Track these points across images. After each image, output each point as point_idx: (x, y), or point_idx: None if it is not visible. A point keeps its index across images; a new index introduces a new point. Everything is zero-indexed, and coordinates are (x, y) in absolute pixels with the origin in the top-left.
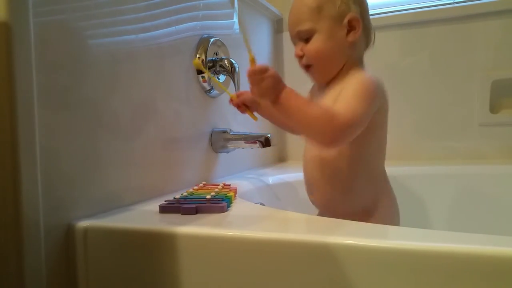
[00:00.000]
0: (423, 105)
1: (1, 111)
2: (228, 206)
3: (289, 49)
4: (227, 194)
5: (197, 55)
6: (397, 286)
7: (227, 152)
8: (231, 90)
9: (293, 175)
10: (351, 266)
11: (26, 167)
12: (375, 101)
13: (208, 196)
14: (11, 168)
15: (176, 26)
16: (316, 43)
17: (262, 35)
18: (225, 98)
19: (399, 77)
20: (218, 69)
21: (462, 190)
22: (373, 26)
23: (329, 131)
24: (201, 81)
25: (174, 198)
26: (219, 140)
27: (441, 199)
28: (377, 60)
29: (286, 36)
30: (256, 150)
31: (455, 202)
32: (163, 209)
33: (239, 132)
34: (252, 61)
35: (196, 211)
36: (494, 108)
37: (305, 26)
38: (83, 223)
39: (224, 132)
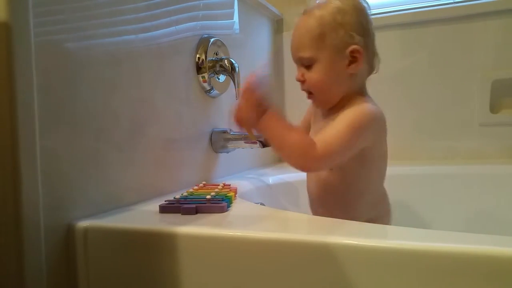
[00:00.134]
0: (423, 105)
1: (1, 111)
2: (228, 206)
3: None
4: (227, 194)
5: (197, 55)
6: (397, 286)
7: (227, 152)
8: (231, 90)
9: (293, 175)
10: (351, 266)
11: (26, 167)
12: (364, 134)
13: (208, 196)
14: (11, 168)
15: (176, 26)
16: (316, 74)
17: (262, 35)
18: (225, 98)
19: (399, 77)
20: (218, 69)
21: (462, 190)
22: (373, 26)
23: (302, 160)
24: (201, 81)
25: (174, 198)
26: (219, 140)
27: (441, 199)
28: None
29: (286, 36)
30: (256, 150)
31: (455, 202)
32: (163, 209)
33: (239, 132)
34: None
35: (196, 211)
36: (494, 108)
37: (307, 53)
38: (83, 223)
39: (224, 132)
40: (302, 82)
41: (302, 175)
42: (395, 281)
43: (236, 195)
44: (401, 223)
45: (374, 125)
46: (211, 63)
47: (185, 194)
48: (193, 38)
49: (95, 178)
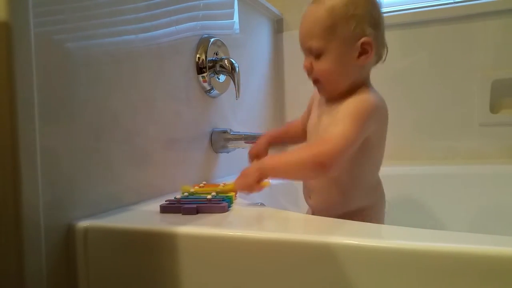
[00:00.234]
0: (423, 105)
1: (1, 111)
2: (229, 206)
3: (289, 49)
4: (228, 194)
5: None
6: (397, 286)
7: (227, 152)
8: (231, 90)
9: None
10: (351, 266)
11: (26, 167)
12: (368, 123)
13: (208, 196)
14: (11, 168)
15: (176, 26)
16: (325, 64)
17: (262, 35)
18: (225, 98)
19: (399, 77)
20: (218, 69)
21: (462, 190)
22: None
23: (319, 168)
24: (201, 81)
25: (175, 198)
26: (219, 140)
27: (441, 199)
28: None
29: (286, 36)
30: None
31: (455, 202)
32: (164, 209)
33: (239, 132)
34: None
35: (197, 211)
36: (494, 108)
37: (317, 43)
38: (83, 223)
39: (224, 132)
40: (310, 70)
41: None
42: (395, 281)
43: (237, 195)
44: (401, 223)
45: (376, 114)
46: (211, 63)
47: (185, 194)
48: (193, 38)
49: (95, 178)
